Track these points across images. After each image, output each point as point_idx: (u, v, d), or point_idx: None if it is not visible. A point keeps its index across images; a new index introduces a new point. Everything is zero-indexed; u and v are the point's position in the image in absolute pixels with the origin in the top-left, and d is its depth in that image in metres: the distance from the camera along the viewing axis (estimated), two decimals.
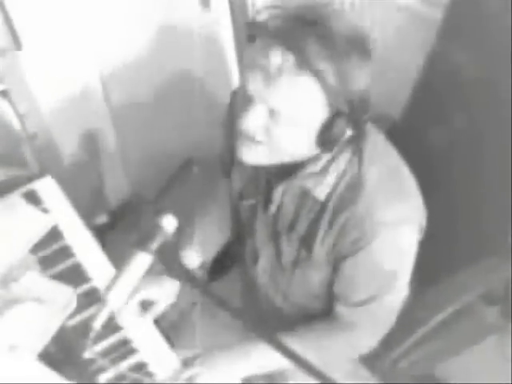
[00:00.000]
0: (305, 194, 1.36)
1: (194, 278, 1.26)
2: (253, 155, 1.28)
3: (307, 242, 1.39)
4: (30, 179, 1.80)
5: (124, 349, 1.45)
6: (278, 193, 1.41)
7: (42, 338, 1.41)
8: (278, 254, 1.48)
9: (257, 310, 1.68)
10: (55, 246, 1.64)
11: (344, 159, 1.31)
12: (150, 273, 1.23)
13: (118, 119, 2.51)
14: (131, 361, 1.43)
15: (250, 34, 1.21)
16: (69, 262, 1.60)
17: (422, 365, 1.71)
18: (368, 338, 1.49)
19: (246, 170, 1.51)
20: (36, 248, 1.62)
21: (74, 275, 1.57)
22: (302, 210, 1.38)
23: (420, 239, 1.36)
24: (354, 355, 1.56)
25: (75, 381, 1.36)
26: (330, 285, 1.45)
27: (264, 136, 1.22)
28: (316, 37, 1.12)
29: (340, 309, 1.46)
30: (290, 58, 1.12)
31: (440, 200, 1.63)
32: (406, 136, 1.70)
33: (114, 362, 1.41)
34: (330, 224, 1.33)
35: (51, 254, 1.62)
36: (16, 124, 2.03)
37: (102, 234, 1.98)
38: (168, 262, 1.21)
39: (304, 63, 1.11)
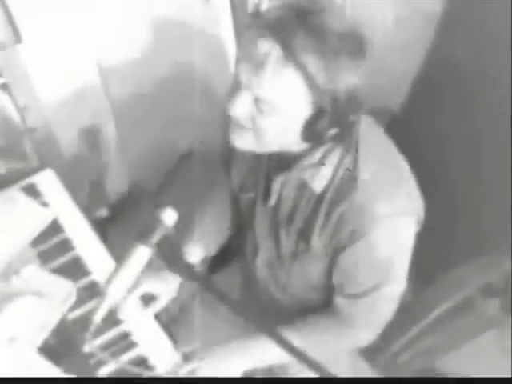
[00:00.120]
0: (302, 186, 1.36)
1: (194, 272, 1.26)
2: (242, 141, 1.29)
3: (305, 233, 1.39)
4: (30, 172, 1.80)
5: (124, 342, 1.45)
6: (276, 185, 1.41)
7: (42, 331, 1.41)
8: (278, 246, 1.48)
9: (257, 302, 1.68)
10: (55, 240, 1.64)
11: (340, 151, 1.31)
12: (151, 267, 1.23)
13: (118, 113, 2.50)
14: (131, 354, 1.43)
15: (247, 23, 1.22)
16: (69, 256, 1.60)
17: (422, 358, 1.71)
18: (367, 331, 1.49)
19: (245, 163, 1.52)
20: (36, 241, 1.62)
21: (74, 269, 1.57)
22: (300, 202, 1.38)
23: (418, 231, 1.37)
24: (354, 348, 1.56)
25: (75, 374, 1.36)
26: (328, 277, 1.46)
27: (250, 123, 1.24)
28: (305, 31, 1.12)
29: (339, 301, 1.46)
30: (277, 49, 1.13)
31: (439, 194, 1.63)
32: (405, 129, 1.71)
33: (114, 355, 1.41)
34: (328, 216, 1.33)
35: (51, 247, 1.62)
36: (16, 117, 2.02)
37: (102, 228, 1.98)
38: (168, 255, 1.21)
39: (290, 55, 1.12)
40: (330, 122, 1.20)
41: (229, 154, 1.58)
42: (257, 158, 1.46)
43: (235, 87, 1.23)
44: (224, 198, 1.69)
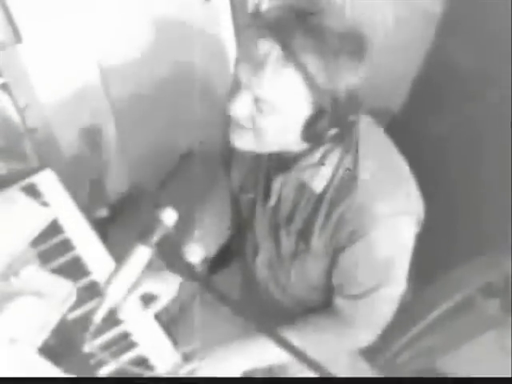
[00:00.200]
0: (302, 187, 1.36)
1: (194, 272, 1.26)
2: (242, 141, 1.29)
3: (305, 234, 1.39)
4: (30, 173, 1.80)
5: (124, 342, 1.45)
6: (276, 185, 1.41)
7: (42, 331, 1.41)
8: (278, 246, 1.48)
9: (257, 303, 1.68)
10: (55, 240, 1.64)
11: (340, 151, 1.31)
12: (151, 267, 1.23)
13: (118, 113, 2.51)
14: (131, 354, 1.43)
15: (247, 22, 1.22)
16: (69, 256, 1.60)
17: (422, 358, 1.71)
18: (367, 332, 1.49)
19: (245, 163, 1.52)
20: (36, 241, 1.62)
21: (74, 269, 1.57)
22: (299, 203, 1.38)
23: (418, 232, 1.37)
24: (353, 348, 1.56)
25: (75, 374, 1.36)
26: (328, 277, 1.46)
27: (250, 123, 1.23)
28: (305, 31, 1.12)
29: (339, 302, 1.46)
30: (277, 49, 1.13)
31: (439, 194, 1.63)
32: (405, 130, 1.71)
33: (114, 355, 1.41)
34: (328, 216, 1.33)
35: (51, 247, 1.62)
36: (16, 117, 2.03)
37: (102, 228, 1.98)
38: (168, 255, 1.21)
39: (290, 55, 1.12)
40: (329, 122, 1.20)
41: (229, 154, 1.58)
42: (257, 158, 1.46)
43: (235, 87, 1.22)
44: (224, 198, 1.69)
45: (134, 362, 1.41)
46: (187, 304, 1.73)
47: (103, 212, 2.61)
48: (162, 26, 2.43)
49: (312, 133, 1.22)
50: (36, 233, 1.63)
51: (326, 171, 1.32)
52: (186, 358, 1.44)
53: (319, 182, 1.33)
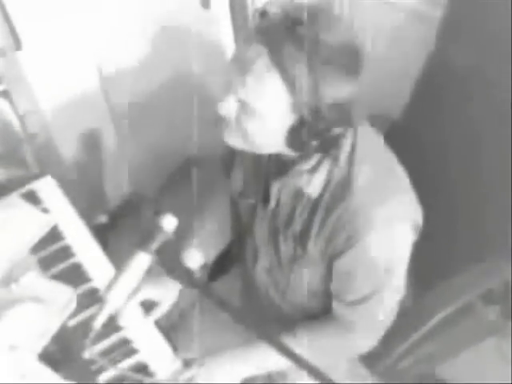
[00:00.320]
0: (299, 192, 1.36)
1: (193, 279, 1.26)
2: (232, 139, 1.30)
3: (302, 239, 1.39)
4: (30, 179, 1.80)
5: (124, 349, 1.44)
6: (274, 189, 1.41)
7: (42, 338, 1.41)
8: (277, 251, 1.48)
9: (257, 309, 1.68)
10: (55, 246, 1.64)
11: (334, 158, 1.31)
12: (151, 273, 1.23)
13: (117, 119, 2.51)
14: (131, 361, 1.43)
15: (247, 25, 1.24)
16: (69, 262, 1.60)
17: (423, 365, 1.71)
18: (366, 338, 1.49)
19: (246, 168, 1.52)
20: (36, 248, 1.62)
21: (74, 275, 1.57)
22: (296, 208, 1.38)
23: (416, 238, 1.36)
24: (353, 355, 1.56)
25: (75, 381, 1.36)
26: (327, 283, 1.46)
27: (236, 124, 1.24)
28: (296, 39, 1.12)
29: (337, 308, 1.46)
30: (265, 54, 1.13)
31: (440, 200, 1.63)
32: (405, 136, 1.71)
33: (114, 362, 1.41)
34: (323, 222, 1.33)
35: (51, 253, 1.62)
36: (16, 124, 2.03)
37: (102, 234, 1.98)
38: (168, 262, 1.21)
39: (276, 62, 1.13)
40: (309, 133, 1.20)
41: (229, 159, 1.58)
42: (257, 162, 1.46)
43: (227, 87, 1.23)
44: (223, 204, 1.69)
45: (134, 368, 1.41)
46: (187, 310, 1.73)
47: (103, 218, 2.62)
48: (162, 32, 2.44)
49: (295, 142, 1.22)
50: (36, 239, 1.63)
51: (321, 177, 1.32)
52: (186, 364, 1.44)
53: (314, 187, 1.33)
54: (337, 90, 1.16)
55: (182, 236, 1.61)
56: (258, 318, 1.62)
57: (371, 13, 2.17)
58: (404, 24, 2.17)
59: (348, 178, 1.29)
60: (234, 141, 1.30)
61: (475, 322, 1.71)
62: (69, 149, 2.37)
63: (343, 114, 1.20)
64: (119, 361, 1.42)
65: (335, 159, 1.30)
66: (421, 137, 1.80)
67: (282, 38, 1.13)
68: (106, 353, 1.43)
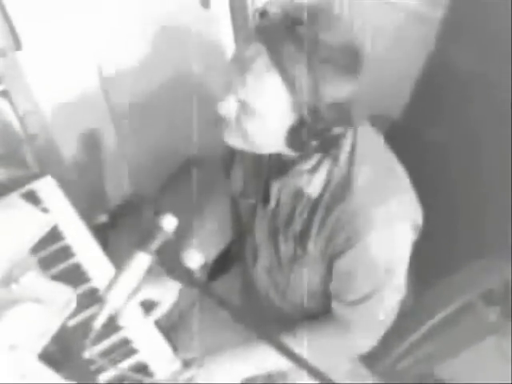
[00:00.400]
0: (299, 192, 1.36)
1: (193, 278, 1.26)
2: (232, 139, 1.30)
3: (302, 239, 1.39)
4: (30, 179, 1.81)
5: (124, 349, 1.45)
6: (274, 189, 1.41)
7: (42, 338, 1.41)
8: (277, 251, 1.48)
9: (256, 309, 1.68)
10: (55, 246, 1.64)
11: (334, 158, 1.31)
12: (151, 273, 1.23)
13: (117, 119, 2.51)
14: (131, 361, 1.43)
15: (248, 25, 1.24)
16: (69, 262, 1.60)
17: (422, 365, 1.71)
18: (366, 338, 1.49)
19: (246, 168, 1.52)
20: (36, 248, 1.62)
21: (74, 275, 1.57)
22: (296, 208, 1.39)
23: (416, 238, 1.36)
24: (353, 355, 1.56)
25: (75, 381, 1.36)
26: (327, 283, 1.46)
27: (236, 124, 1.24)
28: (295, 39, 1.12)
29: (337, 308, 1.46)
30: (264, 53, 1.14)
31: (440, 200, 1.63)
32: (405, 136, 1.71)
33: (114, 362, 1.41)
34: (323, 221, 1.34)
35: (51, 254, 1.62)
36: (16, 124, 2.03)
37: (103, 234, 1.98)
38: (168, 262, 1.21)
39: (275, 61, 1.13)
40: (309, 133, 1.20)
41: (230, 158, 1.58)
42: (258, 161, 1.47)
43: (227, 87, 1.24)
44: (224, 204, 1.70)
45: (134, 368, 1.41)
46: (187, 310, 1.73)
47: (103, 218, 2.62)
48: (162, 32, 2.44)
49: (295, 141, 1.22)
50: (36, 239, 1.63)
51: (321, 177, 1.32)
52: (186, 364, 1.44)
53: (315, 187, 1.33)
54: (336, 89, 1.16)
55: (182, 236, 1.62)
56: (258, 318, 1.61)
57: (371, 13, 2.18)
58: (404, 24, 2.17)
59: (348, 177, 1.29)
60: (234, 141, 1.30)
61: (475, 323, 1.71)
62: (69, 149, 2.37)
63: (343, 114, 1.21)
64: (119, 361, 1.42)
65: (335, 159, 1.30)
66: (421, 137, 1.80)
67: (282, 38, 1.13)
68: (105, 353, 1.43)
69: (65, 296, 1.49)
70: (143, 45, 2.43)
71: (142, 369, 1.41)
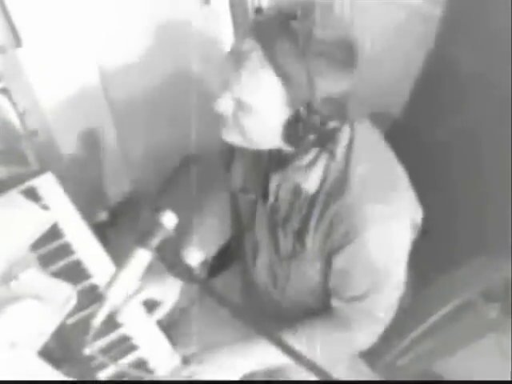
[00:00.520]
0: (297, 187, 1.37)
1: (194, 275, 1.26)
2: (229, 136, 1.31)
3: (300, 234, 1.40)
4: (30, 176, 1.80)
5: (124, 346, 1.45)
6: (273, 185, 1.41)
7: (42, 335, 1.41)
8: (276, 247, 1.48)
9: (256, 305, 1.68)
10: (55, 243, 1.64)
11: (331, 153, 1.31)
12: (152, 271, 1.23)
13: (118, 116, 2.51)
14: (131, 358, 1.43)
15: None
16: (69, 259, 1.60)
17: (422, 361, 1.71)
18: (365, 335, 1.49)
19: (245, 164, 1.52)
20: (36, 245, 1.62)
21: (74, 272, 1.57)
22: (295, 204, 1.39)
23: (415, 237, 1.37)
24: (353, 351, 1.56)
25: (75, 377, 1.36)
26: (326, 280, 1.46)
27: (233, 121, 1.25)
28: (289, 35, 1.13)
29: (337, 304, 1.46)
30: (258, 49, 1.14)
31: (440, 198, 1.63)
32: (406, 134, 1.71)
33: (114, 358, 1.41)
34: (321, 217, 1.34)
35: (51, 251, 1.62)
36: (16, 121, 2.03)
37: (103, 231, 1.98)
38: (168, 259, 1.21)
39: (269, 56, 1.14)
40: (304, 127, 1.20)
41: (229, 154, 1.59)
42: (257, 157, 1.47)
43: (223, 84, 1.24)
44: (223, 200, 1.70)
45: (134, 364, 1.41)
46: (187, 307, 1.73)
47: (103, 215, 2.62)
48: (161, 29, 2.43)
49: (291, 136, 1.23)
50: (36, 236, 1.63)
51: (318, 172, 1.32)
52: (186, 360, 1.44)
53: (311, 183, 1.34)
54: (331, 83, 1.17)
55: (182, 232, 1.62)
56: (258, 314, 1.62)
57: (372, 12, 2.18)
58: (404, 23, 2.17)
59: (345, 173, 1.30)
60: (232, 138, 1.30)
61: (475, 320, 1.71)
62: (69, 146, 2.37)
63: (338, 108, 1.22)
64: (119, 357, 1.42)
65: (332, 154, 1.30)
66: (421, 135, 1.80)
67: (276, 33, 1.13)
68: (106, 349, 1.43)
69: (65, 293, 1.49)
70: (143, 42, 2.43)
71: (142, 365, 1.41)
